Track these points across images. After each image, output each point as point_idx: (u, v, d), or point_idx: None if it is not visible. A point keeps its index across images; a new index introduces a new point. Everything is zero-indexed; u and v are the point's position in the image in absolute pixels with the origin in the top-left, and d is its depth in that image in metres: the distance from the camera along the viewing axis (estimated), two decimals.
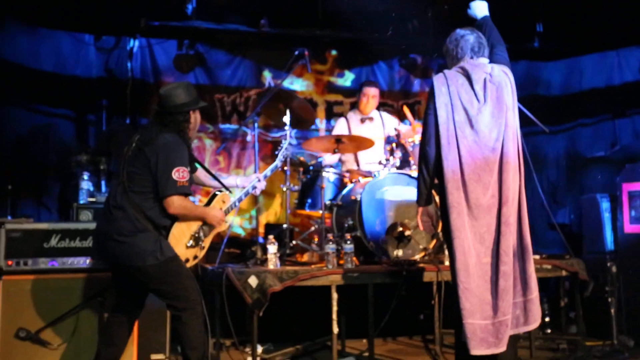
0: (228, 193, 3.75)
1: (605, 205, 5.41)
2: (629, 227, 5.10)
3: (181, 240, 3.43)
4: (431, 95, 3.44)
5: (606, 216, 5.38)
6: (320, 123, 7.30)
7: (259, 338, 4.23)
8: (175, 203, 3.30)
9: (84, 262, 4.05)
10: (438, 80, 3.43)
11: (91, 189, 4.72)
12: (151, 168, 3.29)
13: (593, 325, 5.04)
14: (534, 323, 3.35)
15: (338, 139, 4.98)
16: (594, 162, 6.91)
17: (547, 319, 5.43)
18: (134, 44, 6.64)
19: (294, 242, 4.89)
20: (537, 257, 5.25)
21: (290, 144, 4.22)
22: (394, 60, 7.56)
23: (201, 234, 3.52)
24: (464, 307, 3.23)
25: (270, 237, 4.43)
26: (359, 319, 4.76)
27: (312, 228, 5.14)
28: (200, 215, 3.50)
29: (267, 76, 7.15)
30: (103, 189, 5.41)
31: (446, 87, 3.41)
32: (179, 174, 3.28)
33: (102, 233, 3.39)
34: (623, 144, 6.90)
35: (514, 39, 7.01)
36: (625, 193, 5.13)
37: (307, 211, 5.18)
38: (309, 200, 5.15)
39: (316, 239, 5.20)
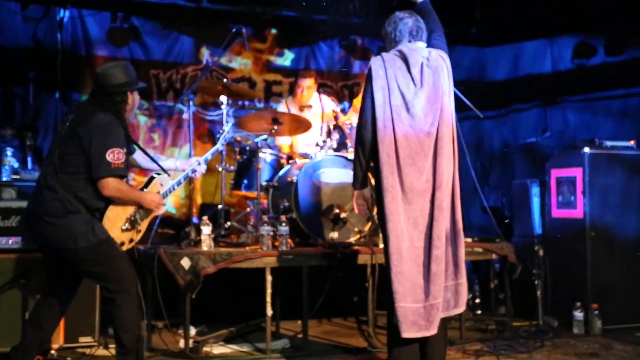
0: (166, 176, 3.65)
1: (534, 190, 5.56)
2: (556, 212, 5.26)
3: (116, 223, 3.33)
4: (368, 78, 3.42)
5: (535, 201, 5.53)
6: (259, 102, 7.21)
7: (192, 320, 4.17)
8: (110, 185, 3.19)
9: (6, 242, 3.88)
10: (375, 63, 3.41)
11: (15, 165, 4.49)
12: (84, 148, 3.18)
13: (521, 307, 5.19)
14: (464, 306, 3.42)
15: (275, 119, 4.91)
16: (526, 148, 7.10)
17: (477, 301, 5.57)
18: (64, 14, 6.36)
19: (228, 223, 4.82)
20: (469, 240, 5.36)
21: (231, 126, 4.13)
22: (334, 41, 7.52)
23: (137, 217, 3.42)
24: (396, 290, 3.26)
25: (205, 218, 4.35)
26: (294, 300, 4.75)
27: (248, 209, 5.08)
28: (136, 200, 3.39)
29: (205, 53, 6.99)
30: (29, 165, 5.18)
31: (383, 70, 3.39)
32: (114, 155, 3.18)
33: (32, 213, 3.27)
34: (553, 130, 7.11)
35: (451, 24, 7.11)
36: (554, 179, 5.27)
37: (243, 192, 5.11)
38: (245, 181, 5.08)
39: (252, 221, 5.15)
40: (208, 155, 3.97)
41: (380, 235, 4.16)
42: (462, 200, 3.53)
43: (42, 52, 6.20)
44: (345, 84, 7.58)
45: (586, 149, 5.00)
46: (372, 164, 3.48)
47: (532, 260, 5.29)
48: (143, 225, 3.49)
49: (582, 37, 6.79)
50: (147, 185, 3.56)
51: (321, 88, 7.25)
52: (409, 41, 3.44)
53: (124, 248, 3.40)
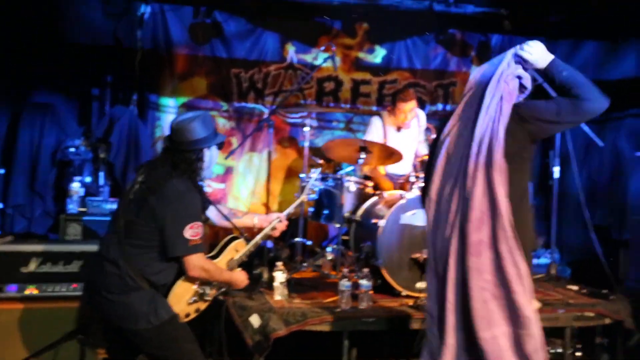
0: (242, 240, 3.26)
1: None
2: None
3: (183, 297, 2.99)
4: None
5: None
6: (346, 103, 6.68)
7: None
8: (196, 265, 2.88)
9: (67, 288, 3.62)
10: None
11: (82, 194, 4.24)
12: (157, 221, 2.81)
13: None
14: None
15: (364, 147, 4.40)
16: None
17: (578, 354, 4.93)
18: (145, 9, 6.03)
19: (305, 264, 4.41)
20: (576, 288, 4.74)
21: (316, 179, 3.65)
22: (430, 36, 6.85)
23: (207, 289, 3.07)
24: None
25: (279, 264, 3.94)
26: (371, 343, 4.30)
27: (328, 249, 4.59)
28: (226, 281, 3.11)
29: (290, 50, 6.52)
30: (101, 181, 4.96)
31: None
32: (193, 231, 2.82)
33: (91, 284, 2.95)
34: None
35: (567, 14, 6.29)
36: None
37: (322, 223, 4.67)
38: (326, 212, 4.63)
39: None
40: (290, 209, 3.54)
41: None
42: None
43: (121, 50, 5.93)
44: (440, 84, 6.93)
45: None
46: None
47: None
48: (211, 296, 3.13)
49: None
50: (221, 251, 3.18)
51: (413, 87, 6.68)
52: None
53: (189, 318, 3.06)
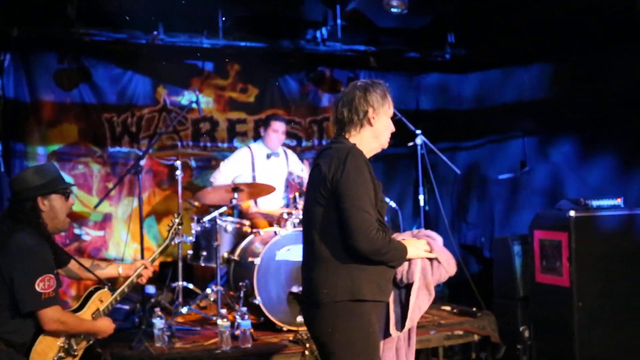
0: (106, 289, 3.19)
1: (516, 249, 5.20)
2: (540, 277, 4.88)
3: (47, 355, 2.87)
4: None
5: (517, 261, 5.18)
6: (223, 143, 6.74)
7: None
8: (50, 317, 2.77)
9: None
10: None
11: None
12: (5, 278, 2.72)
13: None
14: None
15: (235, 188, 4.48)
16: (505, 183, 6.76)
17: None
18: (5, 57, 5.82)
19: (185, 309, 4.38)
20: (447, 308, 5.03)
21: (180, 225, 3.60)
22: (301, 74, 7.09)
23: (73, 342, 2.96)
24: None
25: (157, 310, 3.90)
26: None
27: (208, 290, 4.58)
28: (87, 331, 2.97)
29: (163, 92, 6.50)
30: None
31: None
32: (44, 284, 2.74)
33: None
34: (532, 165, 6.75)
35: (424, 49, 6.74)
36: (537, 240, 4.90)
37: (202, 265, 4.68)
38: (204, 253, 4.65)
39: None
40: (155, 255, 3.50)
41: None
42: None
43: None
44: (314, 119, 7.16)
45: (572, 213, 4.61)
46: None
47: (514, 324, 4.98)
48: (80, 349, 3.04)
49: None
50: (83, 304, 3.09)
51: (289, 124, 6.85)
52: None
53: None
